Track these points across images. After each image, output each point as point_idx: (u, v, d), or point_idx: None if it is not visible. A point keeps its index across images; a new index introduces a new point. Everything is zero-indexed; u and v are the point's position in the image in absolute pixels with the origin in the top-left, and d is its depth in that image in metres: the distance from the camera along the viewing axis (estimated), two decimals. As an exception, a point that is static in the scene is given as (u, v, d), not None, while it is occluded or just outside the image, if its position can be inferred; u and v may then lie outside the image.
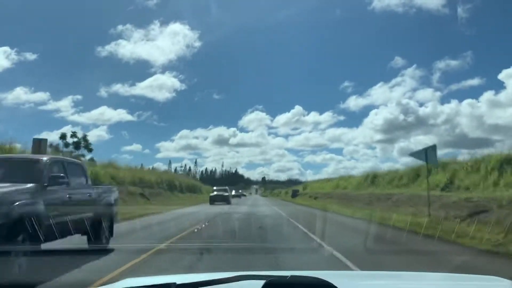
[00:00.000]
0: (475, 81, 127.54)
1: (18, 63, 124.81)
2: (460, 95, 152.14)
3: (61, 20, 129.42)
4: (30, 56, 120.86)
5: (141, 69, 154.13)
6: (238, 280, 1.64)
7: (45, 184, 6.30)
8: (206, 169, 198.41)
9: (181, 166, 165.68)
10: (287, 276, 1.61)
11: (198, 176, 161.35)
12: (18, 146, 19.77)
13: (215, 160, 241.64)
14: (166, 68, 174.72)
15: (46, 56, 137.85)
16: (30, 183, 6.05)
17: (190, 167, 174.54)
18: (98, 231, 7.97)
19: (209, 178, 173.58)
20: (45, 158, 6.97)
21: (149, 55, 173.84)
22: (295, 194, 58.22)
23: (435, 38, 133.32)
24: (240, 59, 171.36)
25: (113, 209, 8.91)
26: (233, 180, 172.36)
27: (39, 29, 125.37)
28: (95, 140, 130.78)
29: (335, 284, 1.53)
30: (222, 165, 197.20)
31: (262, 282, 1.54)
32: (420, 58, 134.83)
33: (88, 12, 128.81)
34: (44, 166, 6.53)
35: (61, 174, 6.66)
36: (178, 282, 1.60)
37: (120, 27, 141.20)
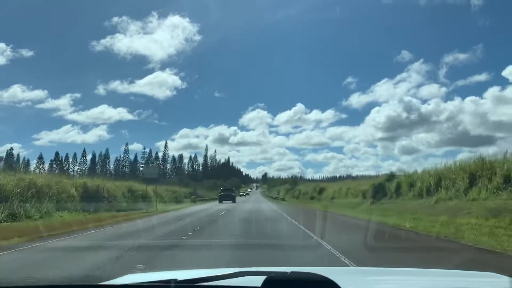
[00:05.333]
0: (482, 77, 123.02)
1: (14, 60, 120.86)
2: (467, 91, 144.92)
3: (56, 14, 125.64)
4: (27, 53, 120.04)
5: (139, 65, 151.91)
6: (238, 276, 1.64)
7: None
8: (179, 156, 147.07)
9: (144, 152, 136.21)
10: (287, 272, 1.62)
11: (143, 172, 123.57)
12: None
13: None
14: (165, 63, 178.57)
15: (43, 52, 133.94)
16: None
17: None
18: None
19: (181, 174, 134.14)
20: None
21: (147, 50, 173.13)
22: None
23: (446, 29, 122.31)
24: (241, 55, 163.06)
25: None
26: (225, 174, 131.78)
27: (34, 24, 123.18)
28: (96, 140, 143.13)
29: (335, 280, 1.50)
30: (206, 149, 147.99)
31: (262, 278, 1.51)
32: (428, 52, 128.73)
33: (83, 5, 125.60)
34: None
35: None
36: (179, 278, 1.65)
37: (115, 19, 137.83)
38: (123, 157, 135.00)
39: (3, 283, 1.71)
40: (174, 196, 48.80)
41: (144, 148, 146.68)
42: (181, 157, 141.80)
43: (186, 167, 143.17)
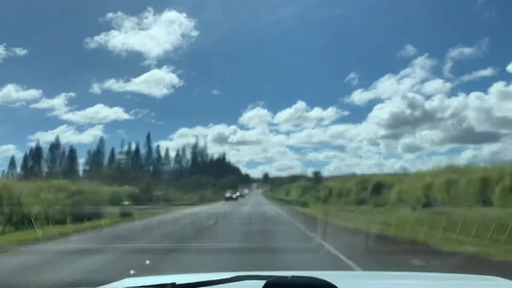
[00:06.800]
0: (487, 72, 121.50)
1: (7, 58, 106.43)
2: (472, 87, 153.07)
3: (49, 12, 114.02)
4: (20, 52, 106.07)
5: (134, 62, 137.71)
6: (237, 280, 1.61)
7: None
8: (157, 150, 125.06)
9: (124, 153, 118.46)
10: (288, 276, 1.58)
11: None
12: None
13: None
14: (162, 60, 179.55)
15: (36, 51, 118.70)
16: None
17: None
18: None
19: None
20: None
21: (143, 46, 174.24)
22: None
23: (450, 22, 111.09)
24: (240, 51, 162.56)
25: None
26: (220, 172, 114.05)
27: (27, 22, 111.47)
28: (92, 140, 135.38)
29: (336, 284, 1.49)
30: (196, 143, 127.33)
31: (263, 282, 1.50)
32: (433, 46, 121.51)
33: (76, 1, 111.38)
34: None
35: None
36: (177, 282, 1.61)
37: (110, 15, 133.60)
38: (95, 151, 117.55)
39: (2, 285, 2.53)
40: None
41: (122, 141, 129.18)
42: (167, 152, 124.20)
43: (172, 164, 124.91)
